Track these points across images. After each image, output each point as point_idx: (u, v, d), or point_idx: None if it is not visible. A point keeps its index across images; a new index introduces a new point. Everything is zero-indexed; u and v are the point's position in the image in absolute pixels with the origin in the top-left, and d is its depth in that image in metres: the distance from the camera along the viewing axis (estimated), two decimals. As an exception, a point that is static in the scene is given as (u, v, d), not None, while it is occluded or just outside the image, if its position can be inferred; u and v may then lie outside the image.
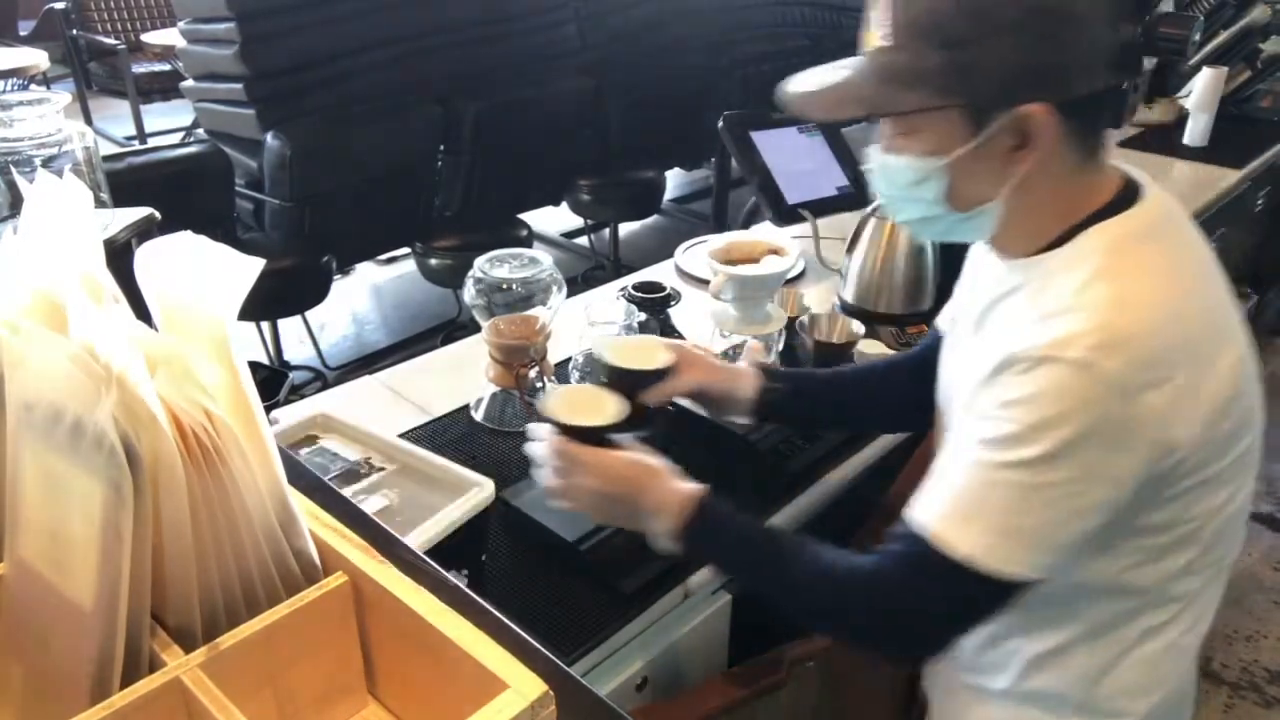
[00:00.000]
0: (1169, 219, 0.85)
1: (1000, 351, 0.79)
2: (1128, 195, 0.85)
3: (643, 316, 1.52)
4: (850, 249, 1.67)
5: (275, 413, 1.21)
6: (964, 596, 0.80)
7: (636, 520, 0.96)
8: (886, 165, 0.88)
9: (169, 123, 5.27)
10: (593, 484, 0.96)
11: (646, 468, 0.96)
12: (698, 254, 1.90)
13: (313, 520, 0.60)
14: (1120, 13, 0.79)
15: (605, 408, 0.98)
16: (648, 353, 1.07)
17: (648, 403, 1.07)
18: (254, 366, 1.43)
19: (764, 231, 1.93)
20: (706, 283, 1.47)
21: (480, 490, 0.97)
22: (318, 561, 0.59)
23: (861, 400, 1.21)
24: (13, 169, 1.01)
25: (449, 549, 0.90)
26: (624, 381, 1.04)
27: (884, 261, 1.63)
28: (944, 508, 0.81)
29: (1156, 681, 0.91)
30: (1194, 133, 2.54)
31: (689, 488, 0.95)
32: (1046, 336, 0.76)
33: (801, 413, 1.21)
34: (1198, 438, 0.78)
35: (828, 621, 0.92)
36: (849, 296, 1.68)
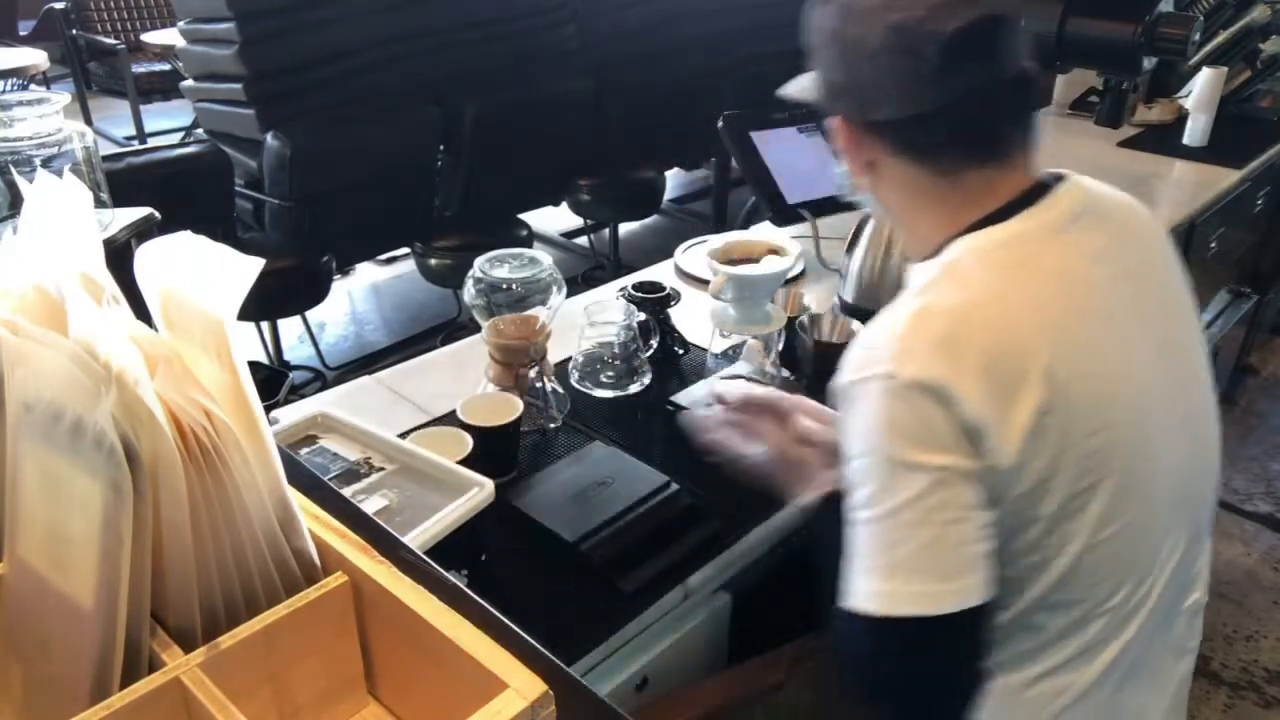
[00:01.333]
0: (1047, 229, 0.82)
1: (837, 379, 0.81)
2: (1016, 204, 0.83)
3: (642, 316, 1.52)
4: (850, 249, 1.67)
5: (275, 413, 1.21)
6: (913, 651, 0.77)
7: (780, 485, 1.04)
8: None
9: (169, 123, 5.28)
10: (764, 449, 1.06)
11: (806, 454, 1.02)
12: (697, 254, 1.90)
13: (312, 520, 0.60)
14: (921, 48, 0.79)
15: (458, 444, 1.13)
16: (501, 407, 1.21)
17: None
18: (254, 366, 1.43)
19: (764, 231, 1.93)
20: (706, 283, 1.47)
21: (480, 490, 0.97)
22: (317, 561, 0.59)
23: None
24: (13, 169, 1.01)
25: (449, 549, 0.90)
26: (483, 435, 1.16)
27: (883, 261, 1.63)
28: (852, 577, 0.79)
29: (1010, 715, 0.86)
30: (1194, 133, 2.54)
31: (830, 479, 0.95)
32: (856, 363, 0.78)
33: None
34: (1015, 459, 0.75)
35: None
36: (849, 296, 1.68)
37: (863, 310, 1.64)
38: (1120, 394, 0.79)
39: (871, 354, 0.77)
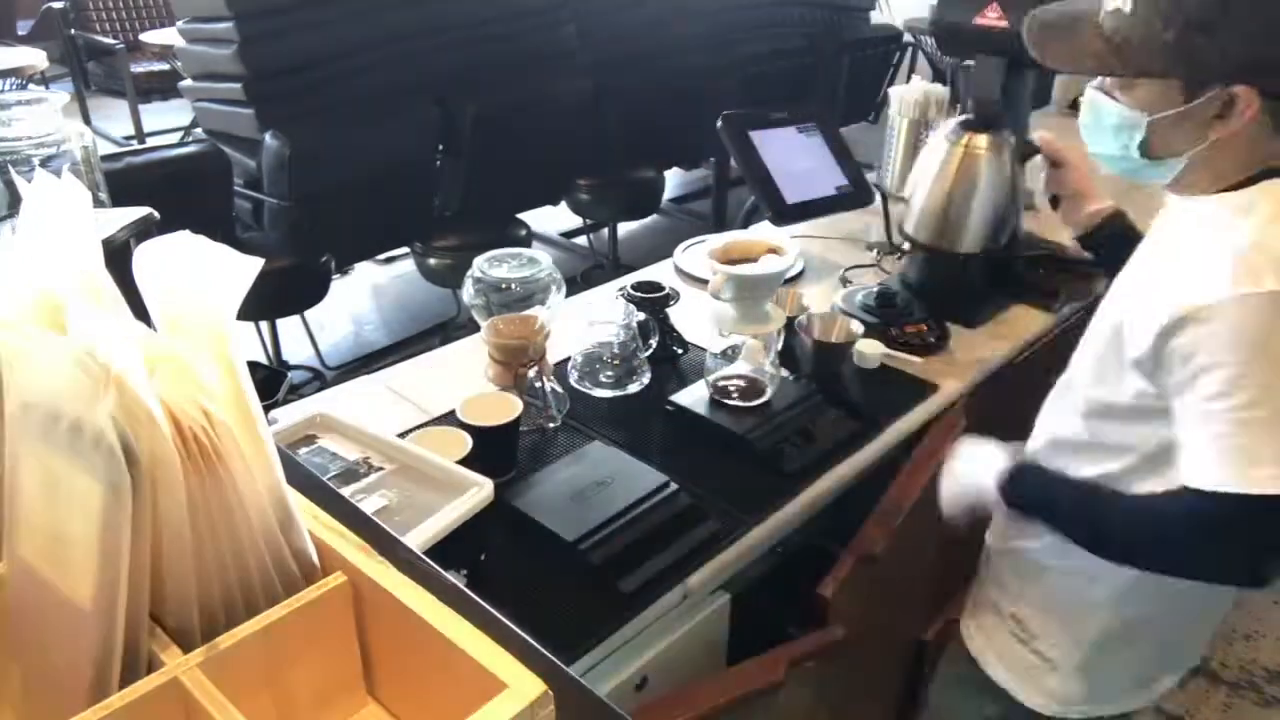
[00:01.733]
0: None
1: (1185, 299, 0.88)
2: None
3: (641, 316, 1.52)
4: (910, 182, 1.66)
5: (274, 412, 1.21)
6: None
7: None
8: (1096, 104, 0.99)
9: (167, 122, 5.27)
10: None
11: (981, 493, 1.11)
12: (697, 253, 1.90)
13: (311, 520, 0.60)
14: None
15: (458, 443, 1.14)
16: (501, 406, 1.22)
17: None
18: (253, 366, 1.42)
19: (763, 231, 1.93)
20: (706, 282, 1.47)
21: (479, 490, 0.97)
22: (316, 561, 0.59)
23: None
24: (11, 169, 1.01)
25: (448, 549, 0.90)
26: (482, 435, 1.16)
27: (960, 191, 1.59)
28: (1216, 461, 0.88)
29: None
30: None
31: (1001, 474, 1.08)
32: (1228, 279, 0.85)
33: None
34: None
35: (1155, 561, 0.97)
36: (912, 229, 1.67)
37: (931, 247, 1.63)
38: None
39: (1252, 273, 0.85)
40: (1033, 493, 1.07)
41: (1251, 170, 0.93)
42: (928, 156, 1.64)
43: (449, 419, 1.35)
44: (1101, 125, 1.00)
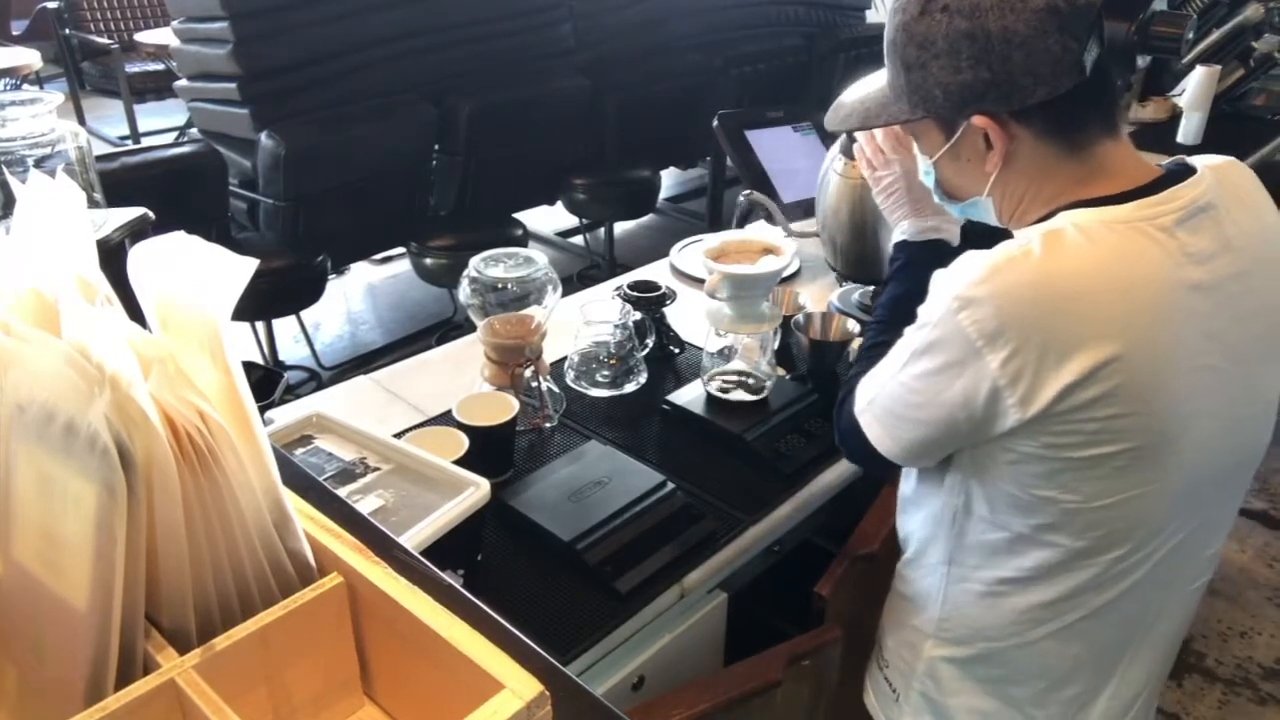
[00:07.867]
0: (1147, 222, 0.82)
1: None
2: (1135, 193, 0.84)
3: (638, 315, 1.52)
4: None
5: (270, 413, 1.21)
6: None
7: (890, 210, 1.19)
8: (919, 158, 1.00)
9: (163, 122, 5.27)
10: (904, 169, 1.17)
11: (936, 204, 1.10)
12: (693, 253, 1.90)
13: (307, 521, 0.60)
14: (1074, 24, 0.81)
15: (454, 443, 1.15)
16: (497, 406, 1.23)
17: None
18: (249, 367, 1.43)
19: (759, 230, 1.93)
20: (702, 281, 1.47)
21: (476, 490, 0.97)
22: (313, 562, 0.59)
23: None
24: (5, 169, 1.00)
25: (445, 549, 0.90)
26: (479, 435, 1.17)
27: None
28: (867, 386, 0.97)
29: (977, 632, 0.98)
30: (1187, 131, 2.54)
31: (946, 228, 1.15)
32: (946, 274, 0.85)
33: None
34: (1038, 414, 0.81)
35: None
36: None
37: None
38: (1136, 379, 0.80)
39: (955, 275, 0.84)
40: (896, 268, 1.14)
41: (1056, 204, 0.88)
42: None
43: (445, 419, 1.36)
44: (924, 177, 1.02)
